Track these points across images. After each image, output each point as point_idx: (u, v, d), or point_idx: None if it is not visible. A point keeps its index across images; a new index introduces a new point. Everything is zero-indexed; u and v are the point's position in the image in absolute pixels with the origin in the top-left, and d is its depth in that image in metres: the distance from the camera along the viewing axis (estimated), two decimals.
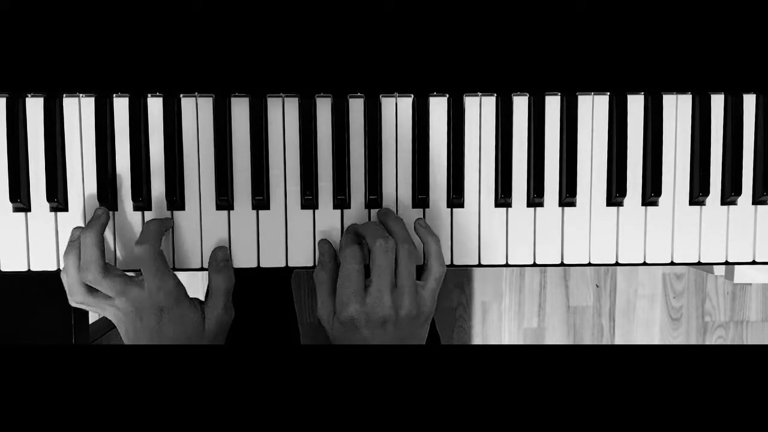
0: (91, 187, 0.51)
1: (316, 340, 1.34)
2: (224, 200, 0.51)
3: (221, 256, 0.51)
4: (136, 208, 0.51)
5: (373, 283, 0.47)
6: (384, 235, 0.48)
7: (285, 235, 0.52)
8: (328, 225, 0.52)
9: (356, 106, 0.52)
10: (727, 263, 0.54)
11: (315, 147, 0.52)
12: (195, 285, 1.29)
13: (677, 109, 0.53)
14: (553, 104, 0.53)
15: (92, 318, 0.67)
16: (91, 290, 0.48)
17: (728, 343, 1.40)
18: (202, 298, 0.52)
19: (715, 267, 0.75)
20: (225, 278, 0.50)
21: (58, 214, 0.51)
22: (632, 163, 0.53)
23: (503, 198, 0.52)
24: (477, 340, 1.35)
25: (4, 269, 0.51)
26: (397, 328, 0.47)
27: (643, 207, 0.53)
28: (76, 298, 0.49)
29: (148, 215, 0.52)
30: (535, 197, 0.52)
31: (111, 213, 0.51)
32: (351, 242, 0.48)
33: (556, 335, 1.39)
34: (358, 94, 0.52)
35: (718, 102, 0.53)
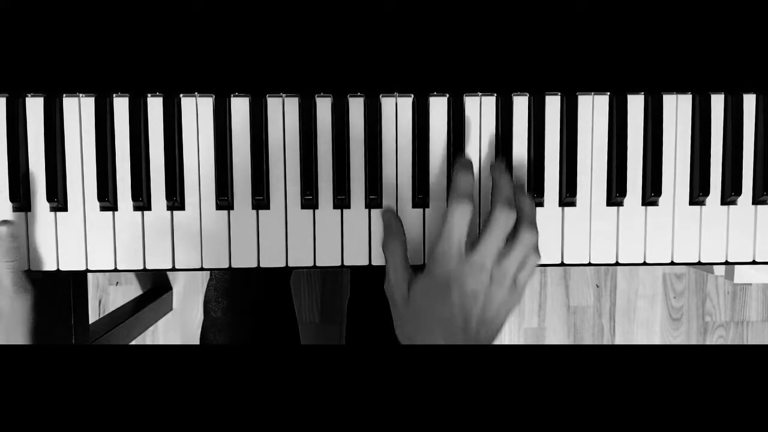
0: (91, 187, 0.51)
1: (315, 340, 1.34)
2: (224, 200, 0.51)
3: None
4: (136, 208, 0.51)
5: (480, 247, 0.45)
6: (512, 207, 0.46)
7: (285, 235, 0.52)
8: (328, 225, 0.52)
9: (356, 106, 0.52)
10: (727, 263, 0.54)
11: (315, 147, 0.52)
12: (195, 285, 1.29)
13: (677, 109, 0.53)
14: (553, 104, 0.53)
15: (92, 318, 0.67)
16: None
17: (728, 343, 1.40)
18: (201, 297, 0.52)
19: (715, 267, 0.75)
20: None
21: (58, 214, 0.51)
22: (632, 163, 0.53)
23: None
24: None
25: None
26: (486, 304, 0.45)
27: (643, 207, 0.53)
28: None
29: (148, 215, 0.52)
30: (535, 197, 0.52)
31: (111, 213, 0.51)
32: (464, 197, 0.45)
33: (556, 335, 1.39)
34: (358, 93, 0.52)
35: (718, 102, 0.53)
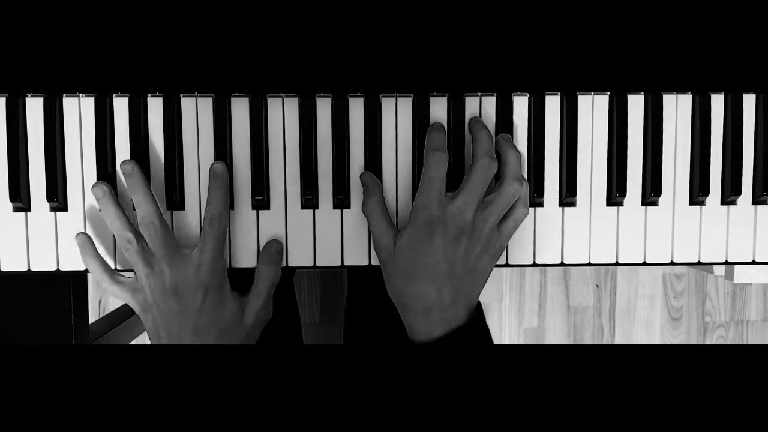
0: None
1: (316, 340, 1.34)
2: None
3: (275, 248, 0.51)
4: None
5: (461, 194, 0.46)
6: (493, 156, 0.48)
7: (285, 235, 0.52)
8: (328, 225, 0.52)
9: (356, 106, 0.52)
10: (727, 263, 0.54)
11: (315, 147, 0.52)
12: None
13: (677, 109, 0.53)
14: (553, 104, 0.53)
15: (92, 318, 0.67)
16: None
17: (728, 343, 1.40)
18: None
19: (715, 267, 0.75)
20: (273, 271, 0.51)
21: (58, 214, 0.51)
22: (632, 163, 0.53)
23: None
24: None
25: (4, 269, 0.51)
26: (469, 247, 0.46)
27: (643, 207, 0.53)
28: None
29: None
30: (535, 197, 0.52)
31: None
32: (439, 149, 0.47)
33: (556, 335, 1.39)
34: (358, 93, 0.52)
35: (718, 102, 0.53)
